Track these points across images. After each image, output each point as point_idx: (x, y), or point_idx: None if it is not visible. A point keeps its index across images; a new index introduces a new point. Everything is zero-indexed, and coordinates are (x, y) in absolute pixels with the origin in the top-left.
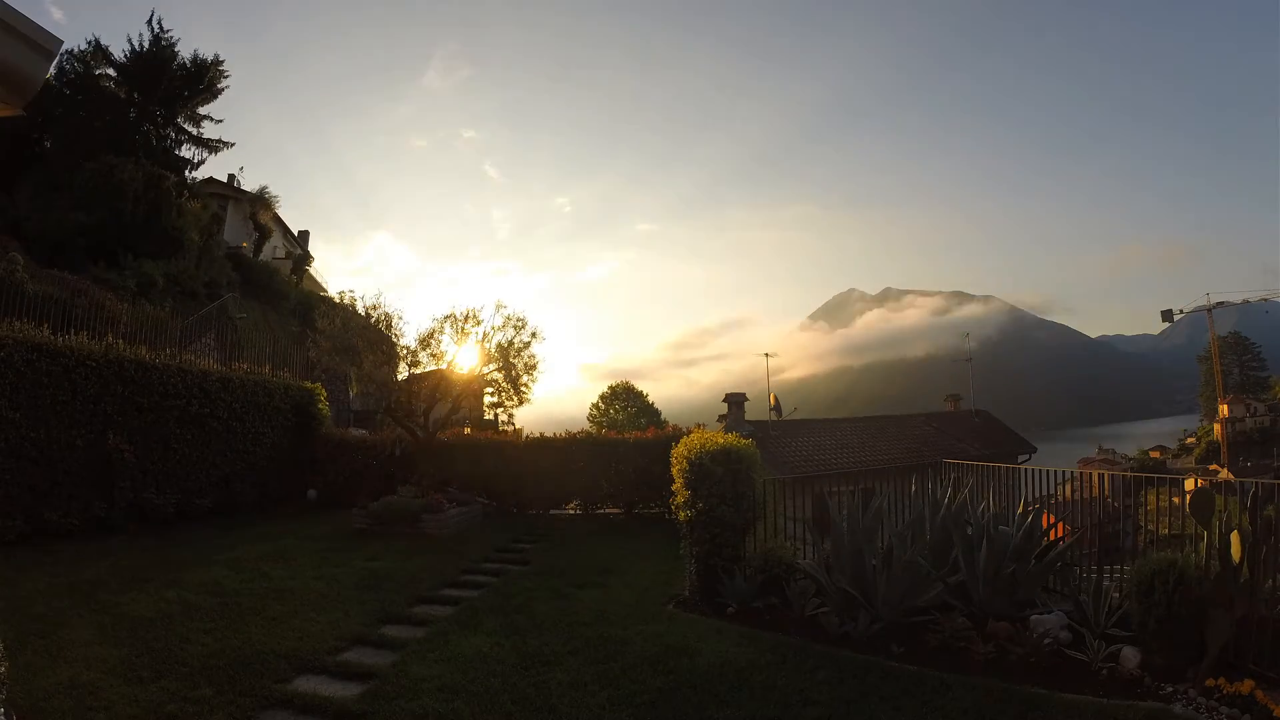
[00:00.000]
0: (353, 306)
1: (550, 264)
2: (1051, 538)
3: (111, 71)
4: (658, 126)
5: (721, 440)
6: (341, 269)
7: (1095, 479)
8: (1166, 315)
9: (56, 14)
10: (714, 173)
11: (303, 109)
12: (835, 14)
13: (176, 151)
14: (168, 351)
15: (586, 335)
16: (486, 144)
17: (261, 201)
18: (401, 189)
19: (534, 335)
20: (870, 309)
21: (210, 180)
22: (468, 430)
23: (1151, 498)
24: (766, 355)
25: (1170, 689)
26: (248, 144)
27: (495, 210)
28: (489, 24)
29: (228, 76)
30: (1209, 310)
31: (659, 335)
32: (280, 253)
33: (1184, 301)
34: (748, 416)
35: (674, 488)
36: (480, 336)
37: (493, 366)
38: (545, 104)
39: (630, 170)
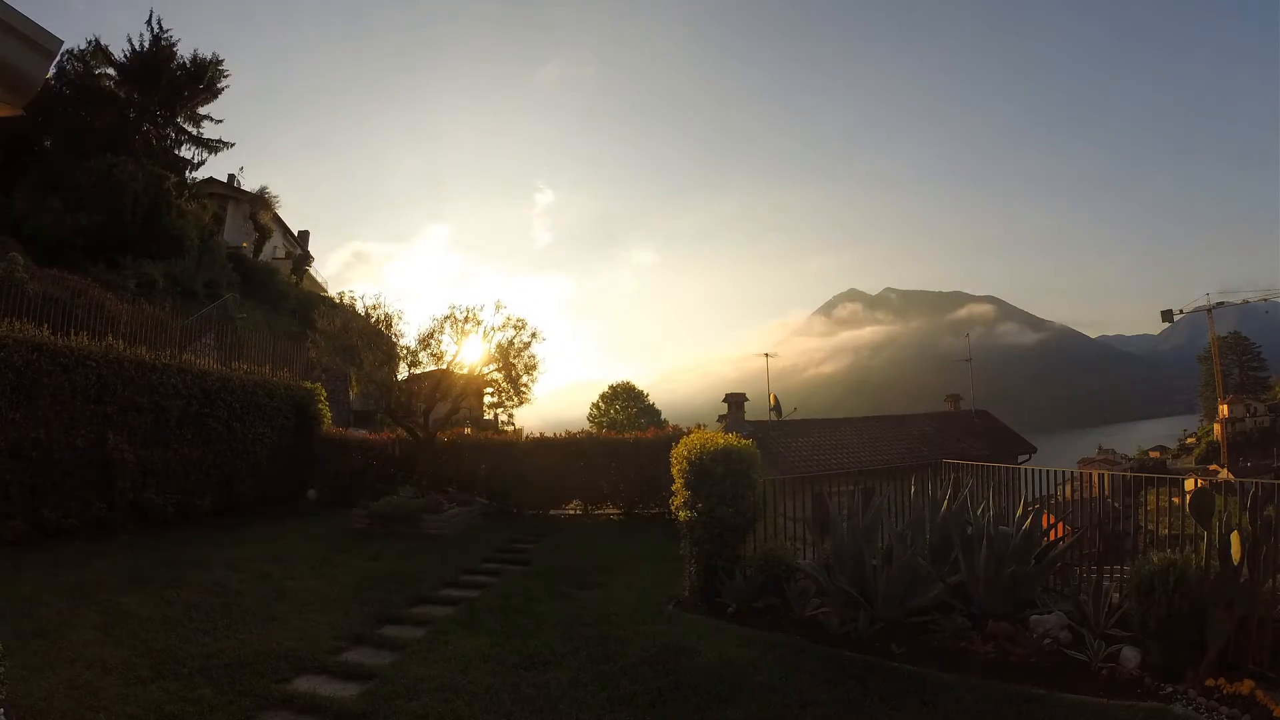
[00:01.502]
0: (353, 306)
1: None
2: (1051, 538)
3: (111, 71)
4: (694, 148)
5: (721, 440)
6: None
7: (1095, 479)
8: (1166, 315)
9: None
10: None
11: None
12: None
13: (176, 151)
14: (168, 351)
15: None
16: (541, 157)
17: (261, 201)
18: (464, 188)
19: (534, 335)
20: (870, 309)
21: (210, 180)
22: (468, 430)
23: (1151, 498)
24: (766, 355)
25: (1170, 689)
26: (293, 142)
27: (544, 218)
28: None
29: (227, 76)
30: (1209, 310)
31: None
32: (280, 253)
33: (1184, 301)
34: (748, 416)
35: (674, 488)
36: (480, 336)
37: (493, 366)
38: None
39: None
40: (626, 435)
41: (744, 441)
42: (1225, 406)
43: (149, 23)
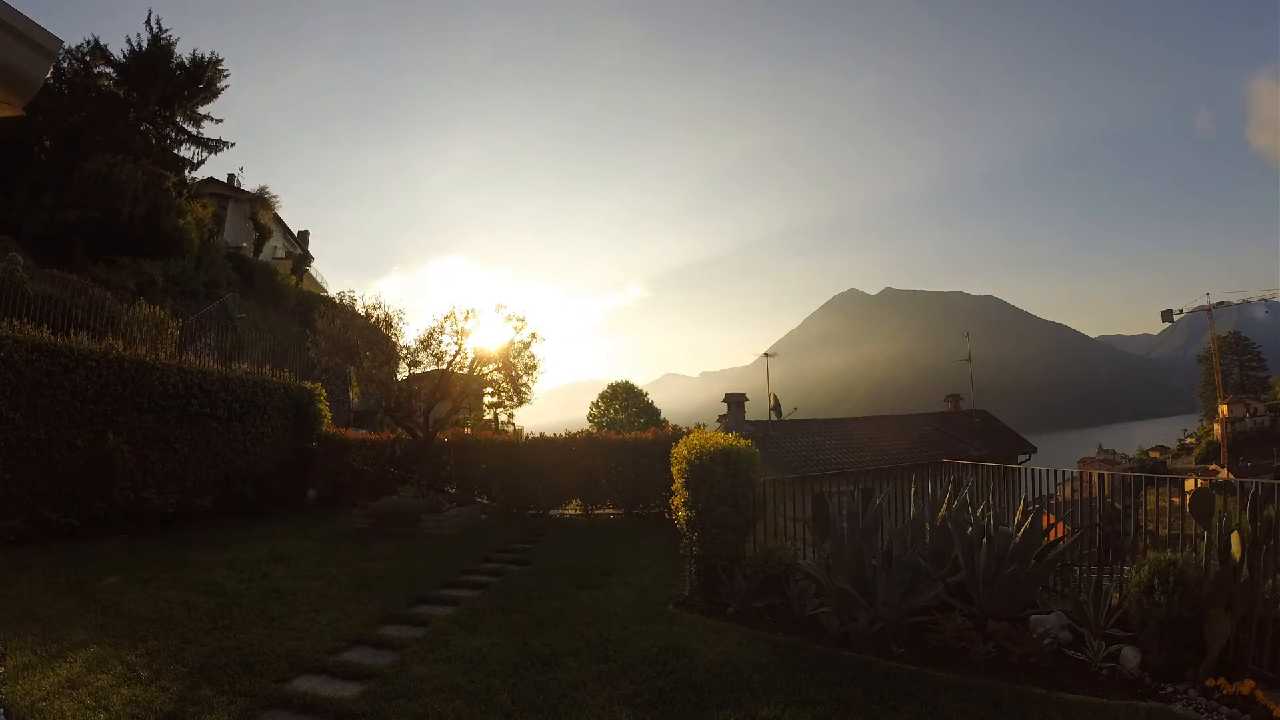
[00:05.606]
0: (352, 306)
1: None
2: (1051, 538)
3: (110, 71)
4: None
5: (721, 440)
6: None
7: (1095, 479)
8: (1166, 315)
9: None
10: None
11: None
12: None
13: (176, 151)
14: (168, 351)
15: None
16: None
17: (261, 201)
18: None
19: (534, 335)
20: (870, 309)
21: (210, 180)
22: (468, 430)
23: (1151, 498)
24: (767, 355)
25: (1170, 689)
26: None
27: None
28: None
29: (227, 75)
30: (1209, 310)
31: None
32: (280, 253)
33: (1184, 301)
34: (747, 416)
35: (674, 488)
36: (480, 336)
37: (492, 366)
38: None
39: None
40: (626, 435)
41: (744, 441)
42: (1225, 406)
43: (148, 22)
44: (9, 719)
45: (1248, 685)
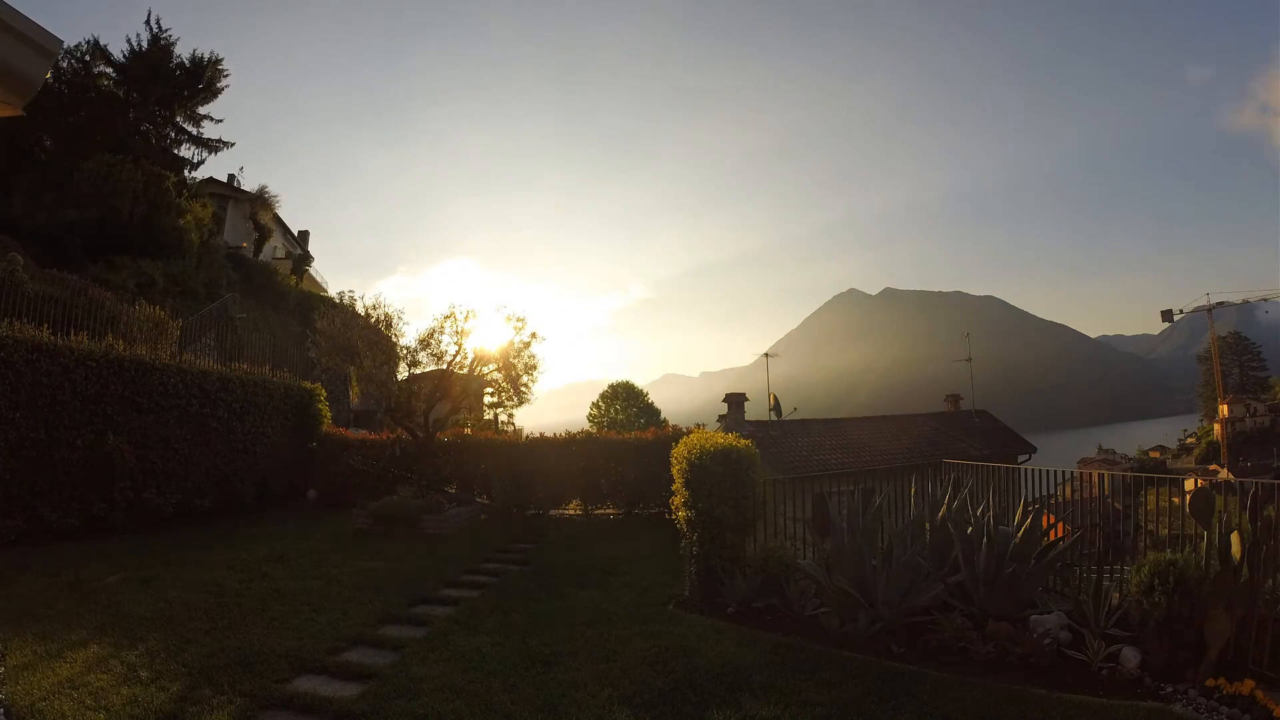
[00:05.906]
0: (352, 306)
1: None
2: (1051, 538)
3: (110, 71)
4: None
5: (721, 440)
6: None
7: (1095, 479)
8: (1166, 315)
9: None
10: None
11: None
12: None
13: (176, 151)
14: (168, 351)
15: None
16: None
17: (261, 201)
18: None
19: (534, 335)
20: (870, 309)
21: (210, 180)
22: (468, 430)
23: (1151, 498)
24: (767, 355)
25: (1170, 689)
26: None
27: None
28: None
29: (227, 75)
30: (1209, 310)
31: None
32: (280, 253)
33: (1184, 301)
34: (748, 416)
35: (674, 488)
36: (480, 336)
37: (492, 366)
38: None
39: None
40: (626, 435)
41: (744, 441)
42: (1225, 406)
43: (148, 22)
44: (9, 719)
45: (1248, 685)
